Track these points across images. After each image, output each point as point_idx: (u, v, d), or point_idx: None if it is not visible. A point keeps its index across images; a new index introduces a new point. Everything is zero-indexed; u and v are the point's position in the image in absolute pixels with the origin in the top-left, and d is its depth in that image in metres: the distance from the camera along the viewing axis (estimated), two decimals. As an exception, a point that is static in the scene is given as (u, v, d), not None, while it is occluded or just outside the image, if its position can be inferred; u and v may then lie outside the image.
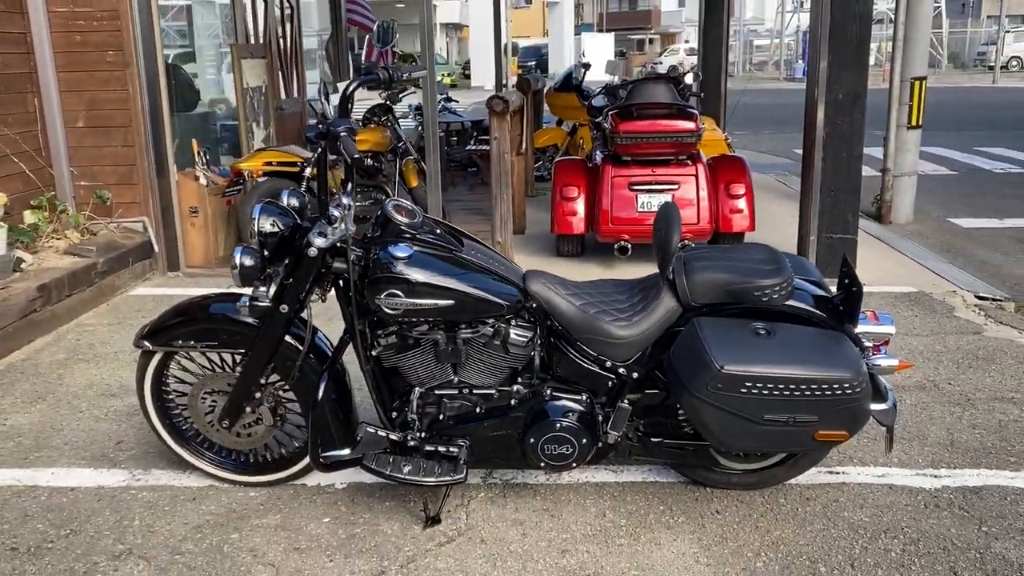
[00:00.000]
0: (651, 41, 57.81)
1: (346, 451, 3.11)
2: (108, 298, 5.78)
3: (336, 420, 3.08)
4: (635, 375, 2.96)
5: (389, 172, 7.45)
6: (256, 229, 2.88)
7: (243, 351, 3.11)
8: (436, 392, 3.05)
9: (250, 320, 3.04)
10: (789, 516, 3.09)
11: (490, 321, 2.93)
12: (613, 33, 45.78)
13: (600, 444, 3.01)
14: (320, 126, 2.75)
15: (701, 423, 2.79)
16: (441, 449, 3.00)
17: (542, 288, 2.95)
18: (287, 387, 3.18)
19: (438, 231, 2.98)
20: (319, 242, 2.82)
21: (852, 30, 5.83)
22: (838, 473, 3.38)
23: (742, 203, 6.45)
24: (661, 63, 37.72)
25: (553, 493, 3.26)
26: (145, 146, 6.22)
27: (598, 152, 6.91)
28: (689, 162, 6.42)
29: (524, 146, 8.20)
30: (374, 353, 3.00)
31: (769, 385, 2.66)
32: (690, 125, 6.27)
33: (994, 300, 5.66)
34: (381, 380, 3.06)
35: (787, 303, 2.87)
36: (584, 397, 3.01)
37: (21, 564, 2.87)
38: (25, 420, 3.98)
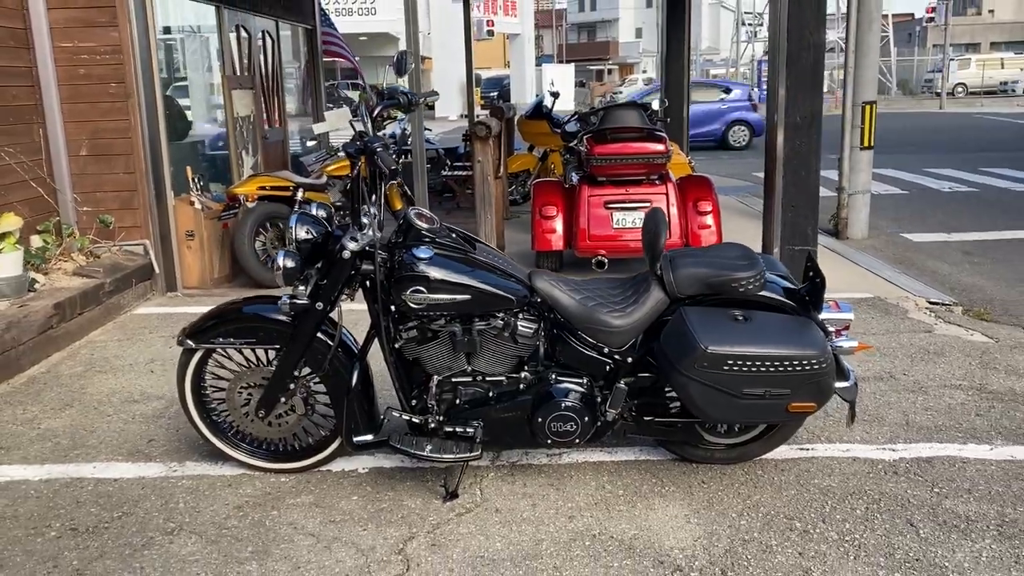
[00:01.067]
0: (610, 71, 58.95)
1: (370, 436, 3.47)
2: (115, 316, 6.07)
3: (362, 408, 3.45)
4: (629, 359, 3.36)
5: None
6: (294, 236, 3.25)
7: (277, 347, 3.46)
8: (452, 380, 3.42)
9: (284, 318, 3.40)
10: (766, 484, 3.50)
11: (500, 314, 3.32)
12: (573, 64, 46.68)
13: (600, 422, 3.40)
14: (358, 143, 3.14)
15: (689, 398, 3.19)
16: (458, 430, 3.37)
17: (546, 284, 3.34)
18: (317, 379, 3.53)
19: (453, 235, 3.37)
20: (352, 246, 3.20)
21: (807, 58, 6.34)
22: (807, 449, 3.79)
23: (709, 219, 6.93)
24: (621, 92, 38.64)
25: (556, 471, 3.63)
26: (145, 172, 6.55)
27: (573, 174, 7.36)
28: (659, 182, 6.88)
29: (501, 170, 8.62)
30: (396, 346, 3.37)
31: (747, 362, 3.08)
32: (660, 147, 6.73)
33: (943, 304, 6.16)
34: (402, 370, 3.43)
35: (760, 293, 3.29)
36: (585, 380, 3.40)
37: (84, 540, 3.18)
38: (58, 424, 4.27)
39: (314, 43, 11.55)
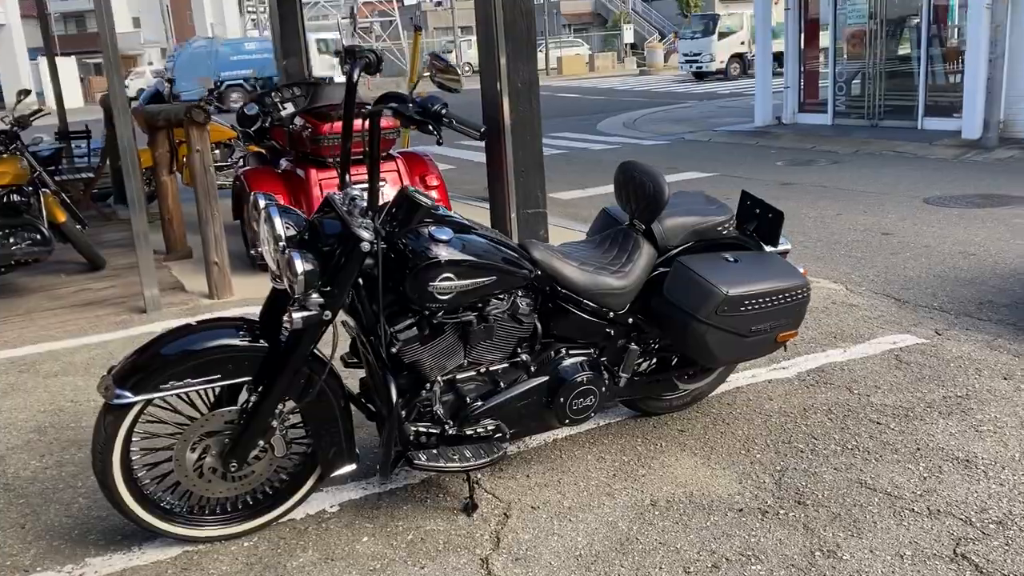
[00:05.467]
0: (112, 64, 54.18)
1: (353, 465, 2.94)
2: None
3: (347, 433, 2.90)
4: (629, 320, 3.24)
5: (35, 207, 6.42)
6: (279, 232, 2.59)
7: (247, 379, 2.73)
8: (455, 379, 2.99)
9: (251, 343, 2.71)
10: (735, 419, 3.63)
11: (503, 294, 2.97)
12: (74, 57, 42.06)
13: (609, 390, 3.24)
14: (418, 108, 2.59)
15: (703, 345, 3.16)
16: (479, 431, 2.97)
17: (545, 255, 3.07)
18: (297, 410, 2.85)
19: (453, 212, 2.95)
20: (368, 236, 2.63)
21: (522, 25, 6.51)
22: (727, 383, 3.98)
23: (436, 193, 6.83)
24: (128, 87, 35.94)
25: (537, 457, 3.38)
26: None
27: (283, 159, 6.76)
28: (387, 159, 6.61)
29: (175, 165, 7.60)
30: (394, 351, 2.85)
31: (758, 300, 3.15)
32: (389, 123, 6.44)
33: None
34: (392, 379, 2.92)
35: (733, 235, 3.38)
36: (591, 350, 3.20)
37: None
38: None
39: None
